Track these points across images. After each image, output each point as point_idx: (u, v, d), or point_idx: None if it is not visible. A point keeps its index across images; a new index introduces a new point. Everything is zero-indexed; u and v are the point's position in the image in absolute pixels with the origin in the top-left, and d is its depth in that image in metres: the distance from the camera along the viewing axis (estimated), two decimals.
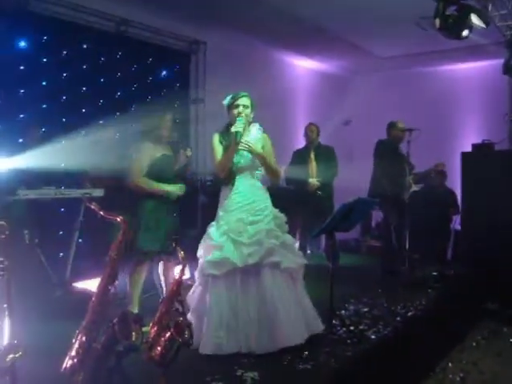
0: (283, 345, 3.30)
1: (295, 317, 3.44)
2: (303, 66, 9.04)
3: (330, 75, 9.41)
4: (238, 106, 3.57)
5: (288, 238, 3.66)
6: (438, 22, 5.08)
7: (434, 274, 5.69)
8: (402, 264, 5.63)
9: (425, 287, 5.24)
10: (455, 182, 7.22)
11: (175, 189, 4.05)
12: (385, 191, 5.56)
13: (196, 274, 3.63)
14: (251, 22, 6.56)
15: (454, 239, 7.51)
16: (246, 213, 3.51)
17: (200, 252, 3.59)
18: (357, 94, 8.75)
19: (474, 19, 5.19)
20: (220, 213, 3.59)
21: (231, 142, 3.50)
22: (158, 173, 3.99)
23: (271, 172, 3.67)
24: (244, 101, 3.59)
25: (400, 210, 5.69)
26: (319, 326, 3.63)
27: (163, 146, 4.10)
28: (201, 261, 3.54)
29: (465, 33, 5.23)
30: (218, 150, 3.61)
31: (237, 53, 7.09)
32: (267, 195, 3.68)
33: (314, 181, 6.13)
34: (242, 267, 3.37)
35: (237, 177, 3.59)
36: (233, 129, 3.49)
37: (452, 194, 7.29)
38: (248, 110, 3.60)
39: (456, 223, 7.47)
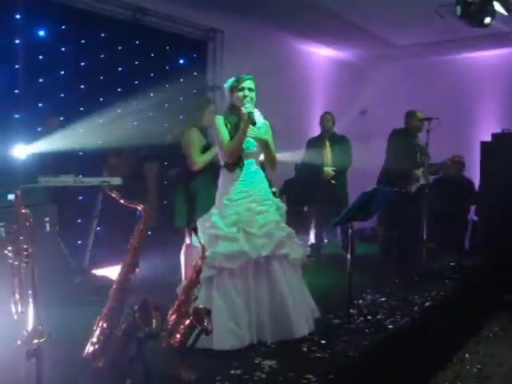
0: (294, 335, 3.30)
1: (302, 307, 3.45)
2: (320, 54, 8.96)
3: (347, 63, 9.31)
4: (242, 88, 3.41)
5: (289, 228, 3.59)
6: (459, 9, 5.02)
7: (452, 264, 5.64)
8: (418, 254, 5.58)
9: (442, 277, 5.21)
10: (474, 172, 7.15)
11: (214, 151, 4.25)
12: (392, 181, 5.44)
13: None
14: (268, 10, 6.51)
15: (471, 229, 7.43)
16: (254, 202, 3.41)
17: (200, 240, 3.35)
18: (374, 82, 8.67)
19: (497, 6, 5.11)
20: (225, 201, 3.41)
21: (239, 124, 3.37)
22: None
23: (271, 159, 3.54)
24: (249, 83, 3.43)
25: (407, 201, 5.55)
26: (317, 313, 3.62)
27: (204, 135, 4.39)
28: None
29: (487, 20, 5.15)
30: (225, 132, 3.43)
31: (254, 40, 7.04)
32: (267, 183, 3.60)
33: (329, 170, 6.13)
34: (254, 259, 3.31)
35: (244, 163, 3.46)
36: (244, 110, 3.33)
37: (470, 183, 7.22)
38: (253, 93, 3.45)
39: (473, 213, 7.39)
